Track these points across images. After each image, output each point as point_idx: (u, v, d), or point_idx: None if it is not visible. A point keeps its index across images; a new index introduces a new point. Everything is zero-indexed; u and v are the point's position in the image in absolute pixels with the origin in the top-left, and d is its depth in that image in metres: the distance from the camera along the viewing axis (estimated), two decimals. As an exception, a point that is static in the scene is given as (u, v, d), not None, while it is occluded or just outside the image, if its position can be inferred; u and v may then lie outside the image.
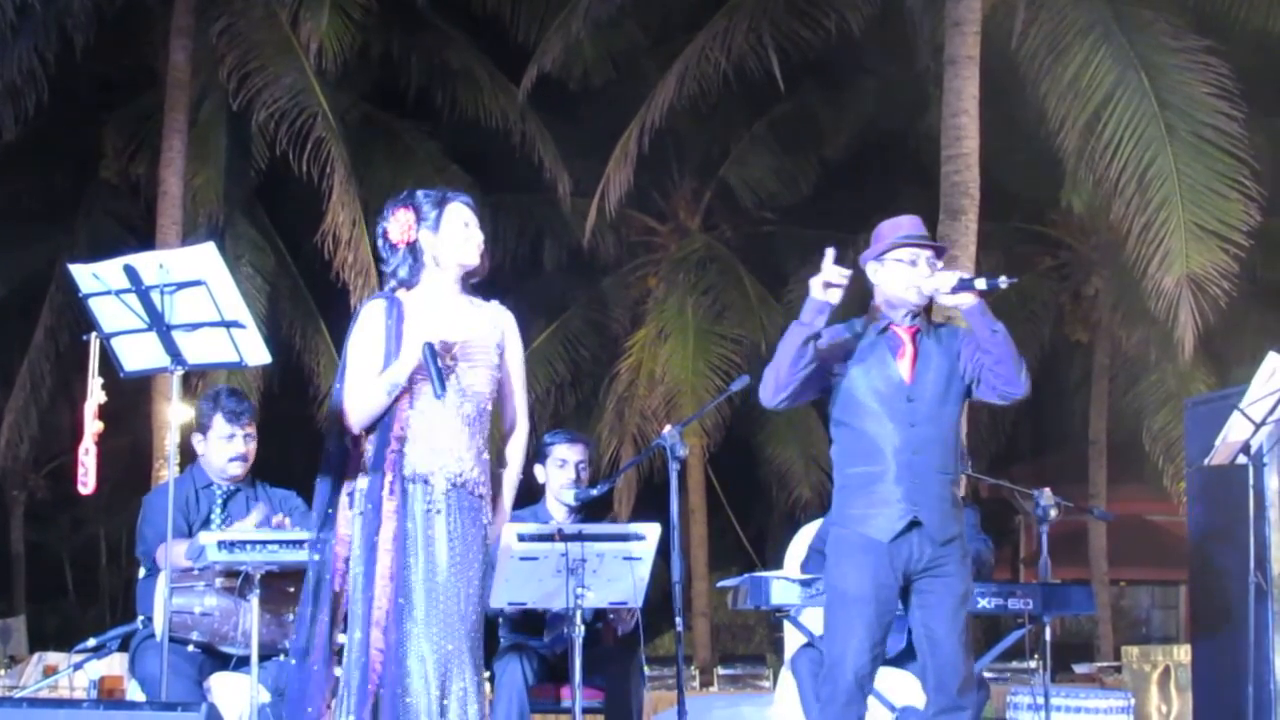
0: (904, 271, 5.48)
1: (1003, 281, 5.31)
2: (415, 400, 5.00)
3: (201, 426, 6.19)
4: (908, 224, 5.55)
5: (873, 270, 5.54)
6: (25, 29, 15.16)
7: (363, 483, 5.01)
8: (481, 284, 5.26)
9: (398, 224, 5.12)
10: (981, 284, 5.31)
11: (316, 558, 5.04)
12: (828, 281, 5.31)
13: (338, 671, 5.04)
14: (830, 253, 5.28)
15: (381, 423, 5.01)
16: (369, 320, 5.10)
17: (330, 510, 5.06)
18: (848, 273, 5.29)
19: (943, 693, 5.43)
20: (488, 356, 5.14)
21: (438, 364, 4.93)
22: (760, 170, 19.12)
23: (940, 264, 5.53)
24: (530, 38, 17.21)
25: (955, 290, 5.34)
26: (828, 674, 5.48)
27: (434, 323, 5.04)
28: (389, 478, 4.97)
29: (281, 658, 5.82)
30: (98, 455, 5.38)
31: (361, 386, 5.02)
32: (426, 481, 4.98)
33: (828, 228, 18.69)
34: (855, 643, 5.39)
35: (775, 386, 5.46)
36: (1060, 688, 10.44)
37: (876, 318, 5.57)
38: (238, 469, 6.16)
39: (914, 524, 5.38)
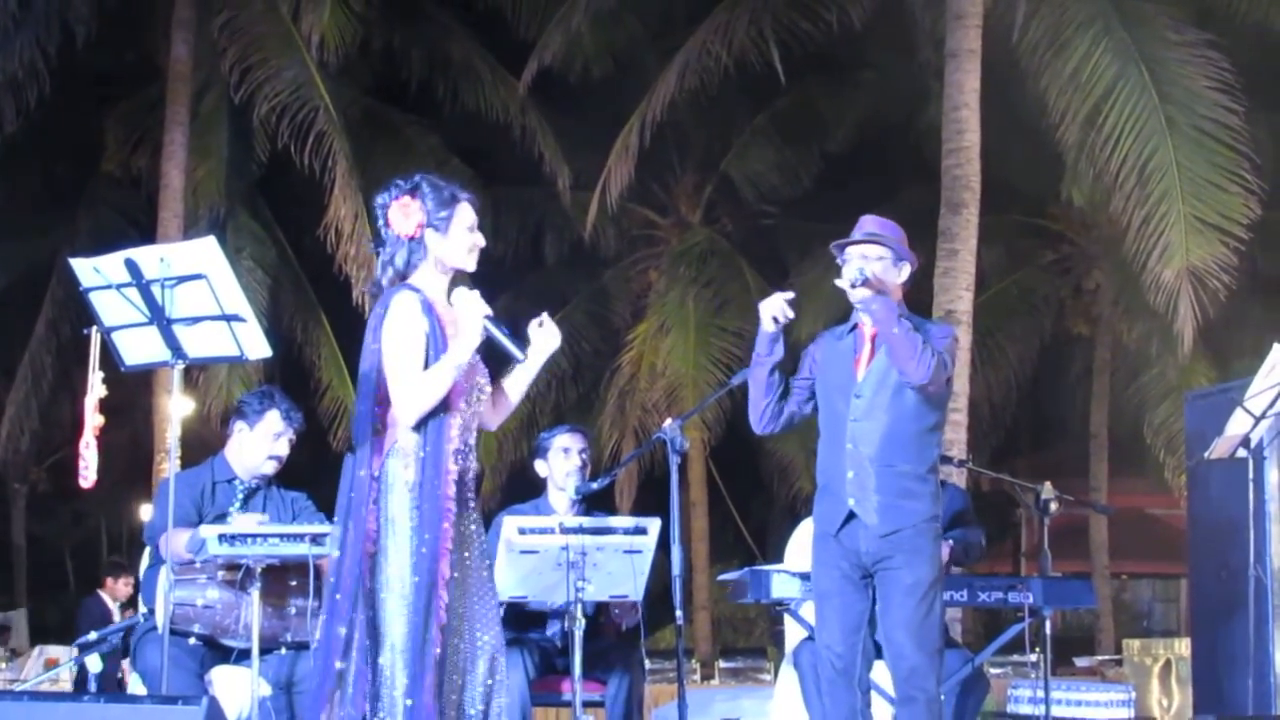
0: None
1: (857, 282, 5.41)
2: (456, 400, 4.88)
3: (247, 417, 6.10)
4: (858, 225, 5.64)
5: None
6: (27, 22, 15.19)
7: (409, 474, 4.78)
8: (482, 278, 5.21)
9: (403, 214, 4.90)
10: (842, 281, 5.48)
11: (336, 553, 4.89)
12: (772, 315, 5.45)
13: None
14: (782, 296, 5.47)
15: (431, 421, 4.81)
16: (409, 312, 4.84)
17: (352, 494, 4.84)
18: (791, 314, 5.47)
19: (896, 683, 5.50)
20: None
21: (504, 330, 4.82)
22: (761, 164, 19.11)
23: (873, 257, 5.54)
24: (531, 31, 17.21)
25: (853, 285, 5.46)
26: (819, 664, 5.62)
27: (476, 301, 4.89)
28: (452, 477, 4.83)
29: (282, 651, 5.84)
30: (98, 449, 5.38)
31: (422, 376, 4.79)
32: (463, 480, 4.91)
33: (829, 221, 18.67)
34: (825, 634, 5.54)
35: (755, 418, 5.69)
36: (1061, 681, 10.46)
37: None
38: (272, 468, 6.11)
39: (854, 516, 5.45)
